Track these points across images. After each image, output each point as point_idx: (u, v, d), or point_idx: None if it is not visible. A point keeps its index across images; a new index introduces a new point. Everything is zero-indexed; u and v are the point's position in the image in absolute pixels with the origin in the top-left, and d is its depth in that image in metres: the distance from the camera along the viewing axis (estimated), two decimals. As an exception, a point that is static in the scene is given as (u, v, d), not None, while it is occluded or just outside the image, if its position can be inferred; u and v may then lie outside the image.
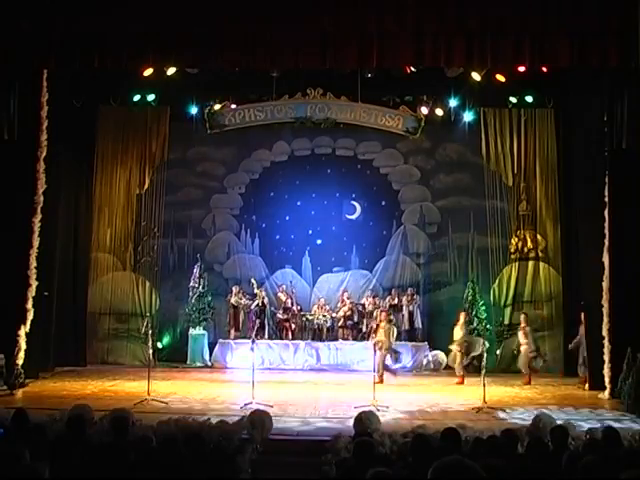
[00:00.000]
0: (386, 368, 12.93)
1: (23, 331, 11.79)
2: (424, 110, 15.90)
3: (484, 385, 10.56)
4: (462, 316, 13.82)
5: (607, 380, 11.40)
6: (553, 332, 15.41)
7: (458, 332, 13.58)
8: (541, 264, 15.79)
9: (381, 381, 12.39)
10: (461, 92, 15.14)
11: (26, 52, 10.78)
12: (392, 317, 14.24)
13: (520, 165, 15.93)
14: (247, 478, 6.71)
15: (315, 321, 15.62)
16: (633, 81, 10.93)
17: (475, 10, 10.54)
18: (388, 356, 13.08)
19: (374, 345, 11.74)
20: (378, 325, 13.57)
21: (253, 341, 11.30)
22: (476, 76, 13.89)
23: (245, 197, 16.83)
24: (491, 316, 15.56)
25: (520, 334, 13.76)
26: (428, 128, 16.11)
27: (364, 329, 15.49)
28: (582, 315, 12.88)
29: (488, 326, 15.00)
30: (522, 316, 14.15)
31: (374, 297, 15.91)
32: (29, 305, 11.97)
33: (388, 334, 13.18)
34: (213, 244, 16.71)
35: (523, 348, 13.60)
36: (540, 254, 15.80)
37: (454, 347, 13.57)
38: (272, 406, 9.53)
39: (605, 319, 11.62)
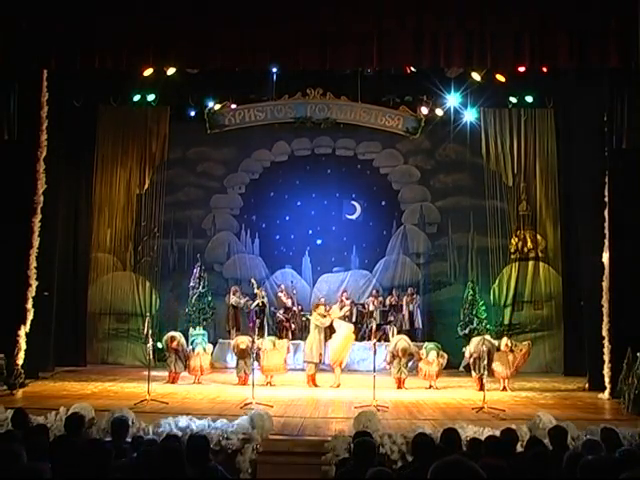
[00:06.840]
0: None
1: (23, 331, 11.78)
2: (424, 110, 15.89)
3: (484, 385, 10.56)
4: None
5: (607, 380, 11.40)
6: (553, 332, 15.43)
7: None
8: (541, 264, 15.78)
9: None
10: (461, 92, 15.14)
11: (26, 52, 10.78)
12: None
13: (520, 165, 15.92)
14: (247, 478, 6.72)
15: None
16: (633, 81, 10.92)
17: (475, 10, 10.55)
18: None
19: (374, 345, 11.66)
20: None
21: (253, 341, 11.29)
22: (476, 76, 13.88)
23: (245, 197, 16.83)
24: (491, 316, 15.56)
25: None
26: (428, 128, 16.11)
27: (364, 329, 15.47)
28: None
29: (488, 326, 15.07)
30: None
31: (376, 297, 15.88)
32: (29, 305, 11.96)
33: None
34: (213, 244, 16.72)
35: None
36: (540, 254, 15.80)
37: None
38: (272, 406, 9.53)
39: (605, 319, 11.61)
